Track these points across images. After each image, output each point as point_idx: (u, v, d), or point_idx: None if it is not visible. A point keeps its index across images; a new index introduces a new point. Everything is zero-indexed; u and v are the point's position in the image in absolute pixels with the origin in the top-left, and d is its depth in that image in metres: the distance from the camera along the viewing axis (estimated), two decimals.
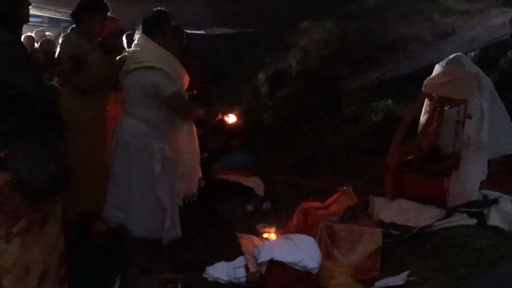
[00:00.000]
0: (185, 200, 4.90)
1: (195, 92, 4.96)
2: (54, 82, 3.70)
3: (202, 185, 5.06)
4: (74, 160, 4.69)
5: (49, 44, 7.98)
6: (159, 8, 4.75)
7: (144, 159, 4.48)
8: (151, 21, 4.65)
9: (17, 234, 3.35)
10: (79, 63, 4.60)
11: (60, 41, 5.12)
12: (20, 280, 3.40)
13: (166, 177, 4.54)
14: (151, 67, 4.41)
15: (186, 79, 4.78)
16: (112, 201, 4.68)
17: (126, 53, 6.70)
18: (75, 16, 5.06)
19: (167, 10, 4.74)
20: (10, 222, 3.33)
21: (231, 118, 4.85)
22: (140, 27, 4.69)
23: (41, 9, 9.27)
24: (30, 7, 3.79)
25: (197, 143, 4.91)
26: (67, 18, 5.26)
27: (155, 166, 4.46)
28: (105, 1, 5.11)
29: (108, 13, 5.11)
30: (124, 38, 6.87)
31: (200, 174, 5.03)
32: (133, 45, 4.71)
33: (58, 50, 5.01)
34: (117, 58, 5.46)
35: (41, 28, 10.51)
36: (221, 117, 4.78)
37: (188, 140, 4.78)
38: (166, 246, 4.74)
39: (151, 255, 4.99)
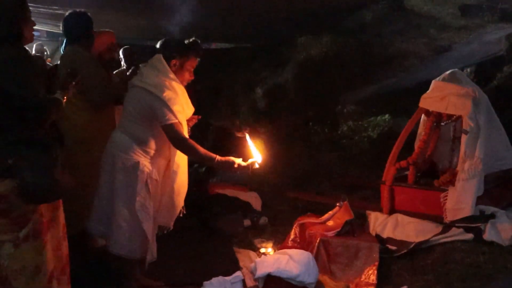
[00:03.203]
0: (161, 230, 4.83)
1: (200, 117, 4.88)
2: (58, 94, 3.71)
3: (181, 215, 4.91)
4: (79, 174, 4.72)
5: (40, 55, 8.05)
6: (194, 39, 4.64)
7: (128, 176, 4.41)
8: (178, 45, 4.59)
9: (24, 239, 3.42)
10: (76, 76, 4.64)
11: (63, 56, 5.17)
12: (31, 280, 3.47)
13: (148, 198, 4.46)
14: (152, 92, 4.34)
15: (190, 110, 4.69)
16: (96, 215, 4.61)
17: (124, 68, 6.78)
18: (80, 36, 5.12)
19: (200, 44, 4.63)
20: (17, 227, 3.39)
21: (258, 159, 4.55)
22: (162, 45, 4.63)
23: (39, 23, 9.31)
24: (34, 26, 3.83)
25: (186, 177, 4.82)
26: None
27: (139, 185, 4.39)
28: (87, 12, 5.19)
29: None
30: (121, 52, 6.91)
31: (182, 203, 4.89)
32: (148, 61, 4.64)
33: (64, 65, 5.04)
34: (115, 72, 5.50)
35: (38, 42, 10.58)
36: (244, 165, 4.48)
37: (179, 175, 4.71)
38: (163, 260, 4.72)
39: (148, 269, 4.98)
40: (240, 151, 4.79)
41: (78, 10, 5.25)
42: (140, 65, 4.75)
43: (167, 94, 4.34)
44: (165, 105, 4.30)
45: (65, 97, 3.76)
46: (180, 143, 4.42)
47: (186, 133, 4.54)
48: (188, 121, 4.68)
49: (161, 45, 4.62)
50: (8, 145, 3.34)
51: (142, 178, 4.40)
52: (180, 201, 4.78)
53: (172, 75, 4.47)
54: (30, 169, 3.33)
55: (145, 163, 4.43)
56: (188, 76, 4.62)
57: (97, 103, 5.03)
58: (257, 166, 4.52)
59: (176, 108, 4.36)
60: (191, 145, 4.40)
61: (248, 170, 4.49)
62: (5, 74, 3.31)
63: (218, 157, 4.43)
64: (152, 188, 4.48)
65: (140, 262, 4.68)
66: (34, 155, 3.37)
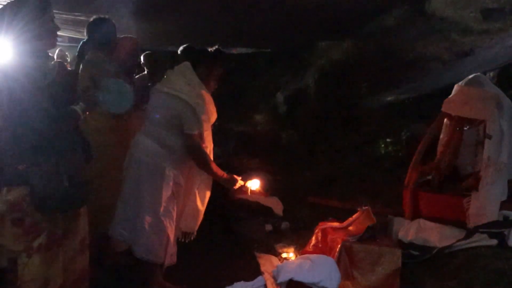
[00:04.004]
0: (184, 237, 4.87)
1: (216, 123, 4.93)
2: (79, 106, 3.69)
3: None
4: (103, 181, 4.75)
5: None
6: (218, 47, 4.71)
7: (154, 181, 4.46)
8: (205, 54, 4.65)
9: (37, 249, 3.41)
10: (99, 82, 4.66)
11: (86, 61, 5.19)
12: None
13: (173, 204, 4.53)
14: (183, 100, 4.39)
15: (214, 117, 4.73)
16: (119, 219, 4.66)
17: (145, 73, 6.80)
18: (103, 42, 5.15)
19: (225, 52, 4.69)
20: (31, 237, 3.39)
21: (254, 185, 4.90)
22: (188, 52, 4.69)
23: (61, 29, 9.38)
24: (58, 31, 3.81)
25: (210, 186, 4.84)
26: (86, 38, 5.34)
27: (164, 190, 4.45)
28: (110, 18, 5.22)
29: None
30: (142, 58, 6.94)
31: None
32: (175, 67, 4.69)
33: (86, 71, 5.08)
34: (137, 77, 5.52)
35: (59, 48, 10.68)
36: (242, 185, 4.79)
37: (202, 177, 4.73)
38: (185, 265, 4.73)
39: (170, 274, 5.00)
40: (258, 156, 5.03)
41: (102, 16, 5.28)
42: (168, 71, 4.79)
43: (197, 102, 4.42)
44: (194, 114, 4.39)
45: (87, 111, 3.73)
46: (196, 154, 4.51)
47: (211, 140, 4.64)
48: None
49: (186, 53, 4.68)
50: (22, 152, 3.33)
51: (167, 183, 4.46)
52: (203, 206, 4.81)
53: (200, 83, 4.53)
54: (40, 176, 3.32)
55: (171, 168, 4.47)
56: (213, 85, 4.69)
57: (114, 111, 5.05)
58: (254, 189, 4.98)
59: (203, 117, 4.44)
60: (206, 158, 4.53)
61: (247, 190, 4.93)
62: (20, 81, 3.29)
63: (225, 174, 4.63)
64: (176, 193, 4.53)
65: (162, 266, 4.71)
66: (45, 162, 3.36)
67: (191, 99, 4.39)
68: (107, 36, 5.19)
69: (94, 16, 5.31)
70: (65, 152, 3.52)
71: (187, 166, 4.65)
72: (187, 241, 4.88)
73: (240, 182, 4.73)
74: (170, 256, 4.64)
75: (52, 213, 3.46)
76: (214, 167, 4.58)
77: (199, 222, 4.84)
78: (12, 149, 3.33)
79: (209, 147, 4.62)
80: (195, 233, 4.88)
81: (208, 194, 4.83)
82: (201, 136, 4.47)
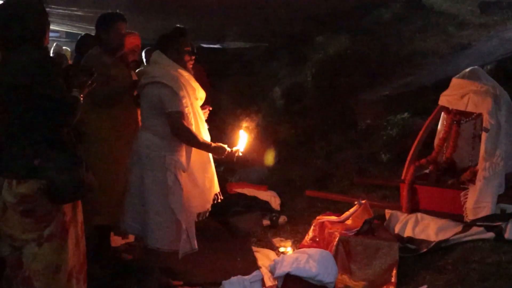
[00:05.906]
0: (198, 217, 4.90)
1: (211, 108, 4.96)
2: (75, 92, 3.71)
3: (219, 200, 5.04)
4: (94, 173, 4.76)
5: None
6: (177, 25, 4.81)
7: (157, 171, 4.53)
8: (166, 37, 4.74)
9: (48, 238, 3.46)
10: (92, 75, 4.65)
11: (87, 55, 5.18)
12: (52, 280, 3.51)
13: (179, 189, 4.56)
14: (159, 82, 4.50)
15: (201, 94, 4.81)
16: (128, 213, 4.72)
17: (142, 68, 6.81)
18: (96, 33, 5.15)
19: (183, 27, 4.78)
20: (41, 226, 3.44)
21: (241, 144, 4.88)
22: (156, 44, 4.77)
23: (58, 24, 9.39)
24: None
25: (210, 160, 4.89)
26: (84, 33, 5.32)
27: (168, 178, 4.51)
28: (120, 12, 5.18)
29: (125, 25, 5.16)
30: (143, 53, 6.94)
31: (218, 189, 5.02)
32: (150, 59, 4.80)
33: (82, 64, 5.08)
34: (136, 71, 5.53)
35: (56, 43, 10.68)
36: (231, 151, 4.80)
37: (199, 157, 4.78)
38: (182, 260, 4.73)
39: (168, 269, 5.01)
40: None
41: (113, 11, 5.26)
42: (145, 65, 4.87)
43: (173, 80, 4.52)
44: (171, 92, 4.48)
45: (81, 96, 3.76)
46: (179, 131, 4.54)
47: (197, 118, 4.72)
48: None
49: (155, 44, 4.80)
50: (33, 145, 3.38)
51: (170, 171, 4.52)
52: (209, 184, 4.89)
53: (174, 63, 4.64)
54: (57, 170, 3.36)
55: (171, 156, 4.54)
56: (188, 58, 4.77)
57: (98, 101, 4.99)
58: (240, 154, 4.86)
59: (182, 93, 4.52)
60: (190, 134, 4.57)
61: (233, 156, 4.80)
62: (33, 75, 3.34)
63: (212, 144, 4.70)
64: (181, 179, 4.58)
65: (166, 258, 4.78)
66: (59, 156, 3.41)
67: (165, 79, 4.49)
68: (115, 38, 5.16)
69: (107, 11, 5.28)
70: (74, 144, 3.64)
71: (188, 151, 4.69)
72: (201, 219, 4.92)
73: (228, 150, 4.76)
74: (184, 242, 4.64)
75: (67, 203, 3.54)
76: (201, 140, 4.64)
77: (206, 201, 4.89)
78: (22, 142, 3.38)
79: (194, 124, 4.67)
80: (208, 211, 4.96)
81: (208, 170, 4.88)
82: (183, 114, 4.53)
